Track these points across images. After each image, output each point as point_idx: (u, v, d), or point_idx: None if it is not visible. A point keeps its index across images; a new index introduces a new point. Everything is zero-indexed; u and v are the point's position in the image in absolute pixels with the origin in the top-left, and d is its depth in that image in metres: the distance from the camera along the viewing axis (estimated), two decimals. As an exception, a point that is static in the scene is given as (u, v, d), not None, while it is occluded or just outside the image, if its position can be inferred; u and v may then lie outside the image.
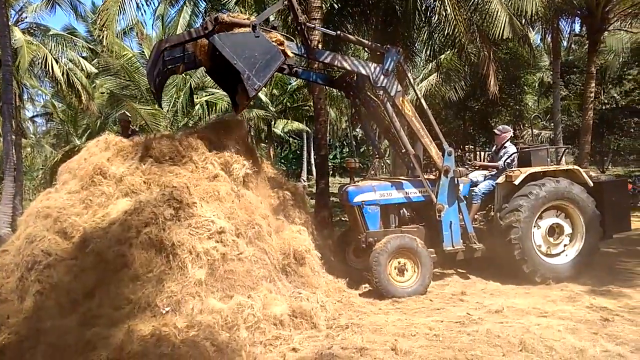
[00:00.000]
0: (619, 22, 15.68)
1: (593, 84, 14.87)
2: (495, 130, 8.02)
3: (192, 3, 16.16)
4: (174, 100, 15.46)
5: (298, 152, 37.83)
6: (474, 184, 7.44)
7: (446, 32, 11.84)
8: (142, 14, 11.62)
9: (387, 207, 7.03)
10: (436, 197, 6.80)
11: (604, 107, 26.08)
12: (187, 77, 15.93)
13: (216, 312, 4.53)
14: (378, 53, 6.92)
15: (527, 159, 7.58)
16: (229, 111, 19.35)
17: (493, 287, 6.79)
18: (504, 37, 12.30)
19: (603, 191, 7.36)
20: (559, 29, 16.46)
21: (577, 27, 18.23)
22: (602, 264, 7.38)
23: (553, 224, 7.06)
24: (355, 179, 7.62)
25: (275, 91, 24.68)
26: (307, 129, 29.86)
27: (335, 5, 12.80)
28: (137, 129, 8.67)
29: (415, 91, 7.67)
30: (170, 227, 4.93)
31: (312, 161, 30.70)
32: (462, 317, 5.37)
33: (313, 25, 7.24)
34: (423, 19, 12.83)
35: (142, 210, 5.03)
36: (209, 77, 18.97)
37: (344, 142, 45.63)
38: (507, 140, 7.71)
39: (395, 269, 6.44)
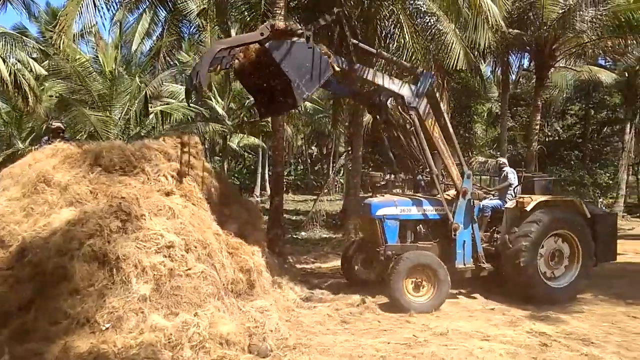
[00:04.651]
0: (564, 60, 16.65)
1: (538, 117, 15.65)
2: (500, 162, 8.53)
3: (152, 11, 15.89)
4: (127, 108, 15.04)
5: (252, 167, 37.53)
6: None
7: (404, 59, 12.18)
8: (101, 16, 11.37)
9: (405, 222, 7.32)
10: (453, 217, 7.11)
11: (547, 139, 27.43)
12: (142, 85, 15.58)
13: (159, 329, 4.37)
14: (412, 75, 7.27)
15: (530, 187, 8.12)
16: (184, 122, 19.05)
17: (439, 309, 6.90)
18: (458, 68, 12.79)
19: (596, 223, 7.81)
20: (509, 63, 17.28)
21: (525, 62, 19.18)
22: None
23: (554, 249, 7.43)
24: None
25: (232, 105, 24.48)
26: (263, 144, 29.72)
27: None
28: (68, 137, 8.26)
29: (444, 114, 7.84)
30: (115, 239, 4.76)
31: (267, 177, 30.52)
32: (409, 339, 5.44)
33: (357, 42, 7.37)
34: (382, 44, 13.16)
35: (86, 221, 4.85)
36: (164, 87, 18.61)
37: (299, 160, 45.70)
38: (505, 165, 8.23)
39: (412, 283, 6.67)
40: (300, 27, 6.35)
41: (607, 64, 22.00)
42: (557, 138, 28.54)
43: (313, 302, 7.03)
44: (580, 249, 7.48)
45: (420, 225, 7.49)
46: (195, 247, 5.16)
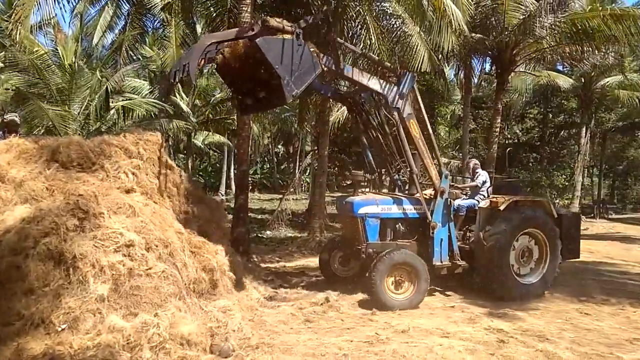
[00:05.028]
0: (524, 65, 17.15)
1: (499, 120, 16.07)
2: (471, 164, 8.72)
3: (114, 4, 15.48)
4: (87, 102, 14.58)
5: (218, 165, 37.12)
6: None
7: (359, 62, 12.29)
8: (60, 8, 10.98)
9: (386, 220, 7.43)
10: (431, 216, 7.29)
11: (507, 142, 28.24)
12: (103, 79, 15.16)
13: (118, 330, 4.25)
14: (394, 76, 7.33)
15: (502, 188, 8.45)
16: (146, 119, 18.62)
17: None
18: (422, 70, 13.00)
19: (562, 222, 8.13)
20: (472, 67, 17.68)
21: (487, 66, 19.68)
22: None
23: (525, 247, 7.71)
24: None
25: (197, 102, 24.12)
26: (229, 142, 29.42)
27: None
28: (22, 134, 7.94)
29: (424, 115, 7.94)
30: (72, 238, 4.60)
31: (232, 175, 30.23)
32: (371, 337, 5.49)
33: (342, 41, 7.36)
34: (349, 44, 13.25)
35: (42, 218, 4.67)
36: (127, 81, 18.16)
37: (266, 158, 45.48)
38: (478, 167, 8.48)
39: (393, 281, 6.78)
40: (290, 24, 6.32)
41: (564, 69, 22.89)
42: (516, 141, 29.41)
43: (277, 302, 7.01)
44: (548, 247, 7.81)
45: (400, 224, 7.62)
46: (156, 246, 5.06)
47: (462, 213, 7.87)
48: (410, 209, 7.54)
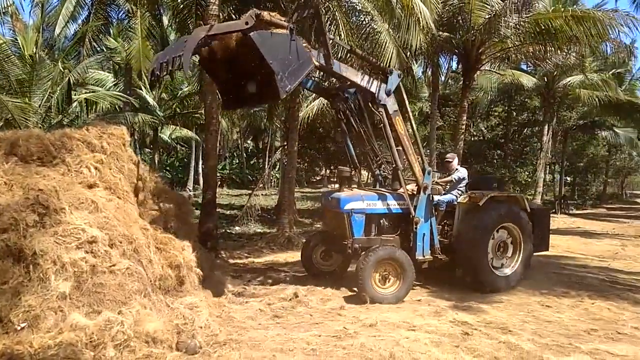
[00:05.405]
0: (489, 64, 17.49)
1: (465, 117, 16.34)
2: (448, 157, 8.78)
3: (78, -6, 15.03)
4: (48, 94, 14.11)
5: (185, 160, 36.56)
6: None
7: (339, 55, 12.30)
8: (17, -2, 10.60)
9: (371, 216, 7.50)
10: (414, 211, 7.40)
11: (472, 139, 28.82)
12: (66, 71, 14.70)
13: (80, 328, 4.15)
14: (380, 73, 7.40)
15: (477, 184, 8.60)
16: (110, 112, 18.18)
17: (370, 301, 7.07)
18: (391, 67, 13.08)
19: (534, 216, 8.39)
20: (439, 65, 17.92)
21: (454, 65, 19.98)
22: (465, 282, 8.05)
23: (501, 241, 7.96)
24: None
25: (164, 95, 23.68)
26: (197, 137, 29.02)
27: (234, 16, 12.70)
28: None
29: (409, 113, 8.04)
30: (32, 234, 4.46)
31: (200, 170, 29.83)
32: (339, 331, 5.53)
33: (332, 37, 7.28)
34: (318, 40, 13.24)
35: (0, 214, 4.50)
36: (90, 73, 17.65)
37: (235, 154, 45.06)
38: (457, 163, 8.63)
39: (379, 276, 6.91)
40: (284, 19, 6.26)
41: (528, 68, 23.45)
42: (481, 138, 30.03)
43: (245, 297, 6.97)
44: (522, 241, 8.08)
45: (384, 219, 7.70)
46: (120, 243, 4.95)
47: (442, 208, 8.02)
48: (394, 205, 7.65)
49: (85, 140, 5.87)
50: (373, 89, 7.20)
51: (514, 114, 28.89)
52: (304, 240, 8.71)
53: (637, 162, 41.16)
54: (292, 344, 5.04)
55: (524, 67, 22.99)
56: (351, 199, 7.42)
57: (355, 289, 7.17)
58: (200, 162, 29.02)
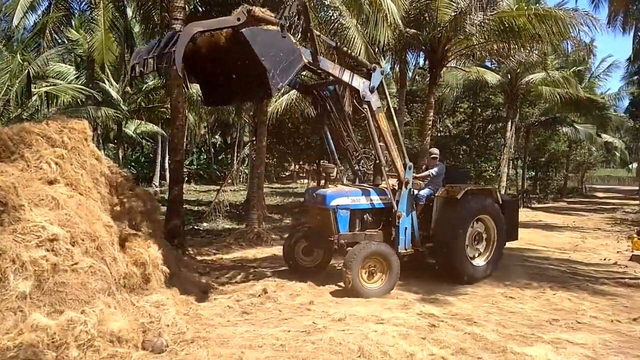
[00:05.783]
0: (455, 61, 17.76)
1: (431, 113, 16.57)
2: (430, 152, 9.05)
3: (36, -17, 14.48)
4: (7, 87, 13.58)
5: (151, 155, 35.85)
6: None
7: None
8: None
9: (355, 211, 7.64)
10: (397, 206, 7.54)
11: (439, 134, 29.27)
12: (25, 63, 14.16)
13: (42, 329, 4.02)
14: (364, 70, 7.48)
15: (451, 177, 8.77)
16: (72, 106, 17.65)
17: (339, 296, 7.09)
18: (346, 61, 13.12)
19: (504, 208, 8.71)
20: (407, 61, 18.09)
21: (421, 61, 20.20)
22: (432, 274, 8.18)
23: (476, 232, 8.24)
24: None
25: (128, 89, 23.09)
26: (163, 132, 28.46)
27: (200, 9, 12.51)
28: None
29: (391, 110, 8.09)
30: (-11, 232, 4.29)
31: (167, 166, 29.30)
32: (308, 326, 5.53)
33: (319, 34, 7.23)
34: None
35: (-46, 212, 4.32)
36: (51, 66, 17.07)
37: (202, 149, 44.46)
38: (438, 159, 8.71)
39: (366, 271, 7.01)
40: (274, 15, 6.19)
41: (492, 65, 23.89)
42: (447, 133, 30.53)
43: (213, 294, 6.90)
44: (495, 231, 8.40)
45: (367, 214, 7.84)
46: (83, 240, 4.81)
47: (421, 202, 8.19)
48: (377, 200, 7.79)
49: (45, 134, 5.66)
50: (357, 86, 7.28)
51: (479, 110, 29.48)
52: (286, 236, 8.78)
53: (597, 157, 42.66)
54: (261, 340, 5.02)
55: (488, 64, 23.42)
56: (337, 195, 7.51)
57: (340, 284, 7.26)
58: (167, 158, 28.51)
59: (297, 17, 6.34)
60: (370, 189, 7.88)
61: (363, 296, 6.83)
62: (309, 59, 6.64)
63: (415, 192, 8.09)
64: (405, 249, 7.73)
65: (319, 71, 7.24)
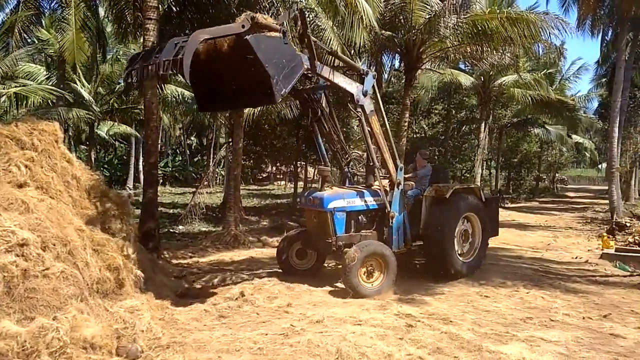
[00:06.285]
0: (430, 63, 17.98)
1: (407, 115, 16.71)
2: (420, 153, 9.16)
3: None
4: (-27, 88, 13.20)
5: (125, 157, 35.24)
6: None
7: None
8: None
9: (350, 213, 7.77)
10: (390, 206, 7.74)
11: (414, 136, 29.57)
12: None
13: (11, 337, 3.91)
14: (356, 74, 7.63)
15: (435, 177, 8.98)
16: (42, 107, 17.24)
17: (317, 298, 7.10)
18: (335, 65, 13.16)
19: (487, 205, 9.01)
20: (382, 63, 18.22)
21: (397, 63, 20.37)
22: (409, 274, 8.24)
23: (464, 229, 8.52)
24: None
25: (101, 89, 22.66)
26: (137, 133, 28.03)
27: (174, 9, 12.35)
28: None
29: (382, 113, 8.22)
30: (-45, 238, 4.14)
31: (141, 168, 28.84)
32: (286, 329, 5.51)
33: (315, 39, 7.25)
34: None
35: None
36: (20, 66, 16.65)
37: (177, 150, 43.92)
38: (426, 160, 9.00)
39: (365, 271, 7.14)
40: (275, 21, 6.20)
41: (466, 68, 24.29)
42: (423, 135, 30.86)
43: (189, 298, 6.81)
44: (480, 228, 8.71)
45: (362, 215, 7.97)
46: (54, 245, 4.69)
47: (410, 202, 8.35)
48: (370, 201, 7.96)
49: (15, 137, 5.51)
50: (352, 90, 7.42)
51: (453, 111, 29.88)
52: (280, 239, 8.88)
53: (567, 158, 43.71)
54: (238, 343, 4.97)
55: (462, 66, 23.79)
56: (334, 197, 7.64)
57: (337, 284, 7.44)
58: (141, 160, 28.07)
59: (294, 23, 6.35)
60: (364, 191, 8.05)
61: (361, 296, 6.92)
62: (307, 64, 6.71)
63: (408, 192, 8.32)
64: (399, 248, 7.90)
65: (316, 77, 7.36)
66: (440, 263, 8.10)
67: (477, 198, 8.75)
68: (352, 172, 8.71)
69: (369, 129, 7.64)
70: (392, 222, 7.80)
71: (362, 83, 7.55)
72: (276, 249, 8.77)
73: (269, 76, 5.73)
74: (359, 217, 7.96)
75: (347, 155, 8.61)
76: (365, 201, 7.94)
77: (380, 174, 8.05)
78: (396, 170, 7.90)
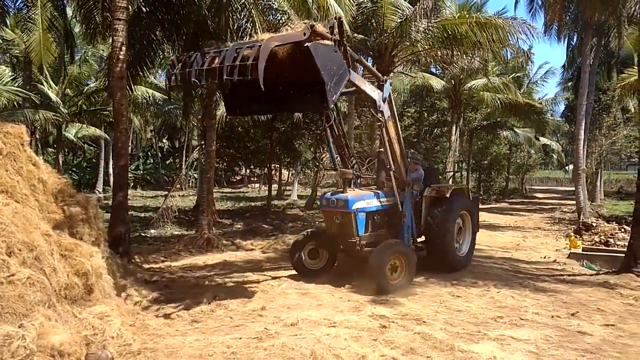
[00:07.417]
0: (402, 66, 18.18)
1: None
2: (412, 158, 9.40)
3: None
4: None
5: (94, 160, 34.48)
6: None
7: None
8: None
9: (369, 213, 8.16)
10: (402, 206, 8.23)
11: (388, 138, 29.80)
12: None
13: (-26, 346, 3.78)
14: (376, 81, 8.09)
15: (427, 177, 9.39)
16: (7, 109, 16.75)
17: (291, 300, 7.09)
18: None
19: (473, 203, 9.90)
20: (355, 66, 18.32)
21: (370, 66, 20.46)
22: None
23: (458, 227, 9.24)
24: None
25: (68, 91, 22.11)
26: (106, 135, 27.46)
27: (144, 9, 12.16)
28: None
29: (395, 118, 8.52)
30: None
31: (110, 171, 28.24)
32: (260, 333, 5.49)
33: (348, 46, 7.37)
34: (235, 38, 13.02)
35: None
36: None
37: (149, 153, 43.20)
38: (418, 164, 9.33)
39: (390, 268, 7.51)
40: (327, 30, 6.37)
41: (437, 71, 24.65)
42: (396, 137, 31.10)
43: (161, 304, 6.70)
44: (470, 225, 9.54)
45: (377, 215, 8.38)
46: (20, 250, 4.54)
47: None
48: (384, 201, 8.40)
49: (-23, 139, 5.33)
50: (375, 97, 7.83)
51: (425, 114, 30.31)
52: (293, 242, 9.04)
53: (535, 160, 44.73)
54: (211, 348, 4.92)
55: (433, 70, 24.12)
56: (357, 199, 7.98)
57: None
58: (111, 162, 27.50)
59: (331, 31, 6.46)
60: (378, 192, 8.47)
61: (388, 292, 7.25)
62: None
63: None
64: (409, 245, 8.25)
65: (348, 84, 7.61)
66: (443, 257, 8.76)
67: (466, 197, 9.54)
68: (356, 174, 9.11)
69: (386, 133, 8.03)
70: (403, 222, 8.23)
71: (382, 90, 7.93)
72: (289, 250, 9.07)
73: (323, 82, 5.95)
74: (375, 217, 8.35)
75: (352, 158, 9.02)
76: (381, 202, 8.36)
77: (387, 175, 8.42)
78: (406, 172, 8.41)
